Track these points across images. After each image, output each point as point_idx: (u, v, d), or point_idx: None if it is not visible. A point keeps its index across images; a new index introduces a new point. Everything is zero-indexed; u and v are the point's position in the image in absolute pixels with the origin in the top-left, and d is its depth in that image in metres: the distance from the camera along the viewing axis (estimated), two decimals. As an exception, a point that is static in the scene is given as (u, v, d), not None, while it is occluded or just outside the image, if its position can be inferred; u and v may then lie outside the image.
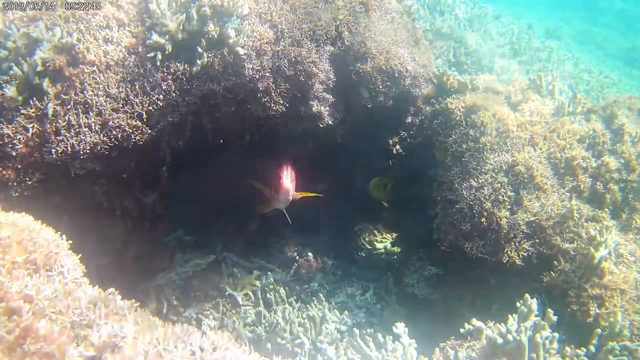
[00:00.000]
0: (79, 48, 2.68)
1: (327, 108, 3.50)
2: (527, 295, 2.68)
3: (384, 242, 4.64)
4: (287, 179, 3.29)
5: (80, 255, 2.04)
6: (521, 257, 3.20)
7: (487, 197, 3.27)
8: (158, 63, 2.75)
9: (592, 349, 2.62)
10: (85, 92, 2.67)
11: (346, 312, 3.82)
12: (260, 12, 3.06)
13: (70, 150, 2.60)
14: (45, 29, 2.64)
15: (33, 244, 1.81)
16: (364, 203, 4.70)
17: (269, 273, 4.05)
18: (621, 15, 18.09)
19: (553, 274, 3.13)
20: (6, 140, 2.55)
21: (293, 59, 3.14)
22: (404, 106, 4.09)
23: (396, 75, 3.66)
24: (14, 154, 2.57)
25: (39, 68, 2.58)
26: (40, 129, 2.61)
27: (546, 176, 3.33)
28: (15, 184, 2.60)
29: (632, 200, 3.46)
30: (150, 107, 2.76)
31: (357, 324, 3.68)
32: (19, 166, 2.60)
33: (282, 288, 3.79)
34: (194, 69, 2.82)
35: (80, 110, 2.66)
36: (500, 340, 2.48)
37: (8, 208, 2.07)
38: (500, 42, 8.22)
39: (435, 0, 7.46)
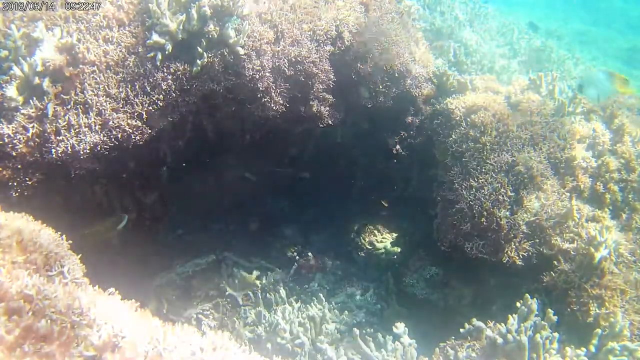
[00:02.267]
0: (79, 48, 2.67)
1: (327, 108, 3.50)
2: (527, 295, 2.68)
3: (384, 242, 4.65)
4: None
5: (80, 255, 2.04)
6: (521, 257, 3.20)
7: (487, 197, 3.26)
8: (158, 63, 2.75)
9: (592, 349, 2.62)
10: (85, 92, 2.67)
11: (346, 312, 3.82)
12: (260, 12, 3.06)
13: (70, 150, 2.60)
14: (45, 29, 2.64)
15: (33, 244, 1.81)
16: (364, 203, 4.71)
17: (269, 273, 4.05)
18: (621, 15, 18.09)
19: (553, 274, 3.12)
20: (6, 140, 2.54)
21: (293, 59, 3.14)
22: (404, 106, 4.09)
23: (396, 75, 3.66)
24: (14, 154, 2.56)
25: (39, 68, 2.58)
26: (40, 129, 2.61)
27: (546, 176, 3.33)
28: (15, 184, 2.60)
29: (632, 200, 3.46)
30: (150, 107, 2.76)
31: (357, 324, 3.68)
32: (19, 166, 2.60)
33: (282, 288, 3.79)
34: (194, 69, 2.82)
35: (80, 110, 2.66)
36: (500, 340, 2.48)
37: (8, 208, 2.07)
38: (500, 42, 8.22)
39: (435, 0, 7.46)
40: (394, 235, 4.65)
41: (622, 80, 3.36)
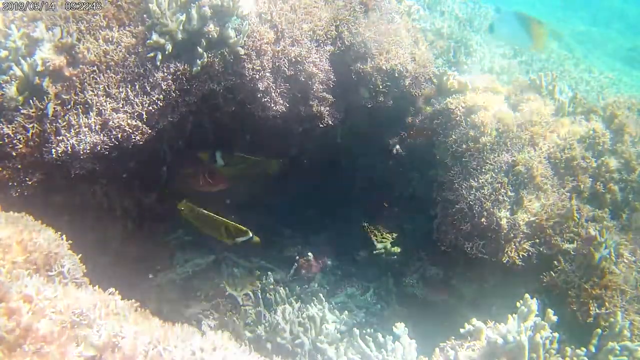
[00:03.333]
0: (79, 48, 2.68)
1: (327, 108, 3.50)
2: (527, 295, 2.68)
3: (384, 242, 4.64)
4: None
5: (80, 255, 2.04)
6: (521, 257, 3.20)
7: (487, 197, 3.26)
8: (158, 63, 2.75)
9: (592, 349, 2.62)
10: (85, 92, 2.67)
11: (346, 312, 3.82)
12: (260, 12, 3.06)
13: (70, 150, 2.60)
14: (45, 29, 2.64)
15: (33, 244, 1.81)
16: (364, 203, 4.70)
17: (269, 273, 4.04)
18: (621, 15, 18.09)
19: (553, 274, 3.13)
20: (6, 140, 2.55)
21: (293, 59, 3.14)
22: (404, 106, 4.09)
23: (396, 75, 3.66)
24: (14, 154, 2.57)
25: (39, 68, 2.58)
26: (40, 129, 2.61)
27: (546, 176, 3.33)
28: (15, 184, 2.60)
29: (632, 200, 3.46)
30: (150, 107, 2.76)
31: (357, 324, 3.68)
32: (19, 166, 2.60)
33: (282, 288, 3.79)
34: (194, 69, 2.82)
35: (80, 110, 2.66)
36: (500, 340, 2.48)
37: (8, 208, 2.07)
38: (500, 42, 8.21)
39: (435, 0, 7.45)
40: (394, 235, 4.65)
41: (537, 24, 3.36)
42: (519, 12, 3.48)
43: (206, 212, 3.34)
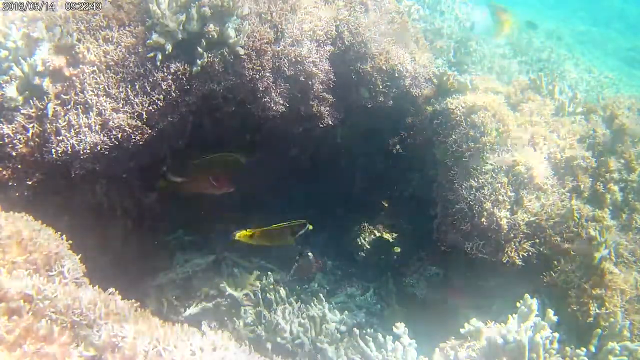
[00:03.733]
0: (79, 48, 2.68)
1: (327, 108, 3.50)
2: (527, 295, 2.68)
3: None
4: None
5: (80, 255, 2.04)
6: (521, 257, 3.20)
7: (487, 197, 3.26)
8: (158, 63, 2.75)
9: (592, 349, 2.62)
10: (85, 92, 2.67)
11: (346, 312, 3.82)
12: (260, 12, 3.06)
13: (70, 150, 2.60)
14: (45, 29, 2.64)
15: (33, 244, 1.82)
16: (364, 203, 4.71)
17: (269, 273, 4.04)
18: (621, 15, 18.09)
19: (553, 274, 3.13)
20: (6, 140, 2.55)
21: (293, 59, 3.14)
22: (404, 106, 4.09)
23: (396, 75, 3.66)
24: (14, 154, 2.57)
25: (39, 68, 2.58)
26: (40, 129, 2.61)
27: (546, 176, 3.33)
28: (15, 184, 2.60)
29: (632, 200, 3.47)
30: (151, 107, 2.76)
31: (357, 324, 3.68)
32: (19, 166, 2.60)
33: (282, 288, 3.79)
34: (194, 69, 2.82)
35: (80, 110, 2.66)
36: (500, 341, 2.48)
37: (8, 208, 2.07)
38: (500, 42, 8.22)
39: (435, 0, 7.45)
40: (394, 235, 4.65)
41: (501, 11, 3.49)
42: (490, 3, 3.57)
43: (266, 228, 3.34)
